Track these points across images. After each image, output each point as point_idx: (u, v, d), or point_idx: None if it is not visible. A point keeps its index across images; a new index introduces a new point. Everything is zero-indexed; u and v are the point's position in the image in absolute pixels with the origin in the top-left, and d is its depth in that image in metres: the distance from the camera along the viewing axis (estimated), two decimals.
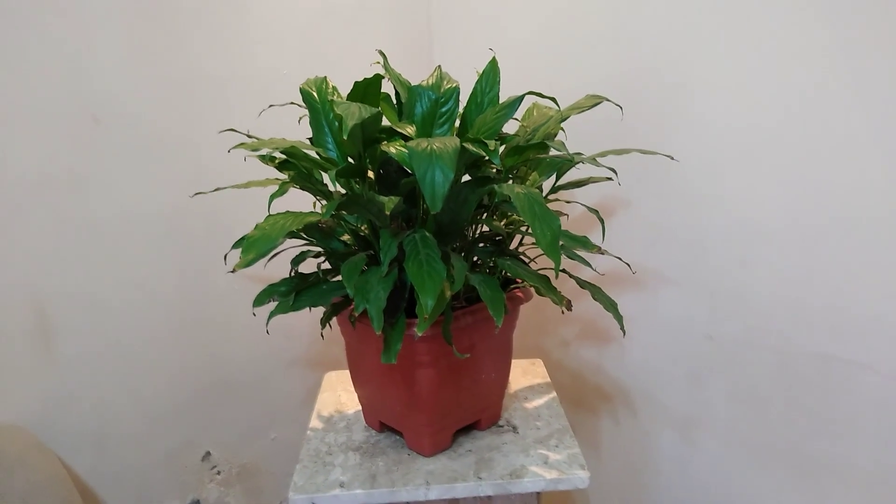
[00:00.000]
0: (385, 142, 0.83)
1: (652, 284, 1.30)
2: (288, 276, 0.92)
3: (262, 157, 0.91)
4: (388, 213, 0.75)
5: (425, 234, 0.81)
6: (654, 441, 1.37)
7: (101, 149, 1.13)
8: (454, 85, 0.85)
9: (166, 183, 1.20)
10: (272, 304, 0.89)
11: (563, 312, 0.94)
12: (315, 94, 0.90)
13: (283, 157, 0.87)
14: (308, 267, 0.97)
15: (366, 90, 0.79)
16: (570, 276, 0.96)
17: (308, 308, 0.85)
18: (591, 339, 1.43)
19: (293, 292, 0.88)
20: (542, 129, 0.92)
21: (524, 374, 1.23)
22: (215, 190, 0.97)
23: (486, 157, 0.75)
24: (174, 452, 1.31)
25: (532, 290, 1.01)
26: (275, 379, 1.41)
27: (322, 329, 0.90)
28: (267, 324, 0.89)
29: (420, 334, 0.75)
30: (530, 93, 0.85)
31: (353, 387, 1.07)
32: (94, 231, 1.14)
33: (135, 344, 1.22)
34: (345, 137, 0.68)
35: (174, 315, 1.26)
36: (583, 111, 0.90)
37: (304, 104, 0.90)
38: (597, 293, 0.94)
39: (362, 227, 0.95)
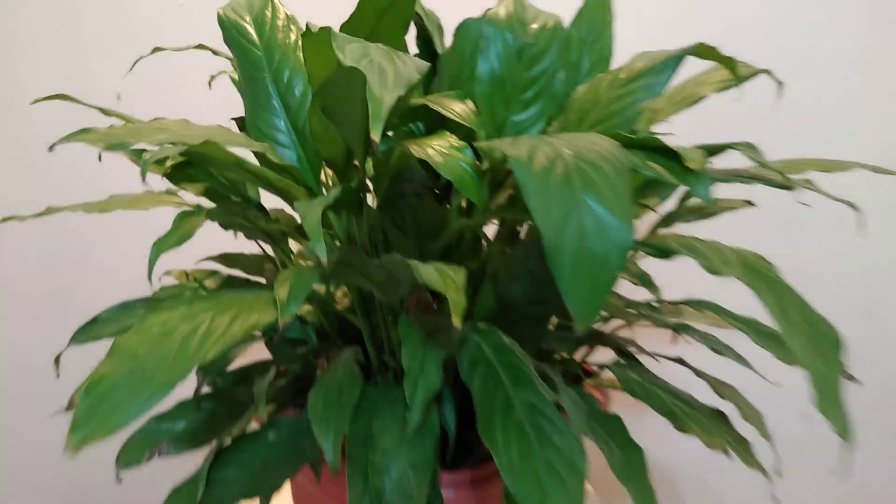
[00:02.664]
0: (410, 135, 0.39)
1: (725, 333, 0.93)
2: (193, 396, 0.45)
3: (137, 155, 0.44)
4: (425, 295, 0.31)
5: (501, 338, 0.38)
6: None
7: None
8: (553, 22, 0.41)
9: None
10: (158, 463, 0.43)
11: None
12: (250, 27, 0.44)
13: (183, 158, 0.41)
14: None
15: (385, 11, 0.34)
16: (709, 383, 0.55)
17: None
18: (626, 404, 1.04)
19: (204, 444, 0.42)
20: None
21: None
22: (42, 213, 0.49)
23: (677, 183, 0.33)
24: None
25: (609, 392, 0.61)
26: None
27: None
28: None
29: None
30: (700, 48, 0.43)
31: None
32: None
33: None
34: (374, 133, 0.23)
35: None
36: (723, 88, 0.49)
37: (227, 48, 0.44)
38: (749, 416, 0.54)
39: (339, 296, 0.50)
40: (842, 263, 0.85)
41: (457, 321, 0.29)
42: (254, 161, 0.42)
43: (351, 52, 0.26)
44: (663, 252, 0.35)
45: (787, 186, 0.42)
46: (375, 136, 0.23)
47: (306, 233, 0.30)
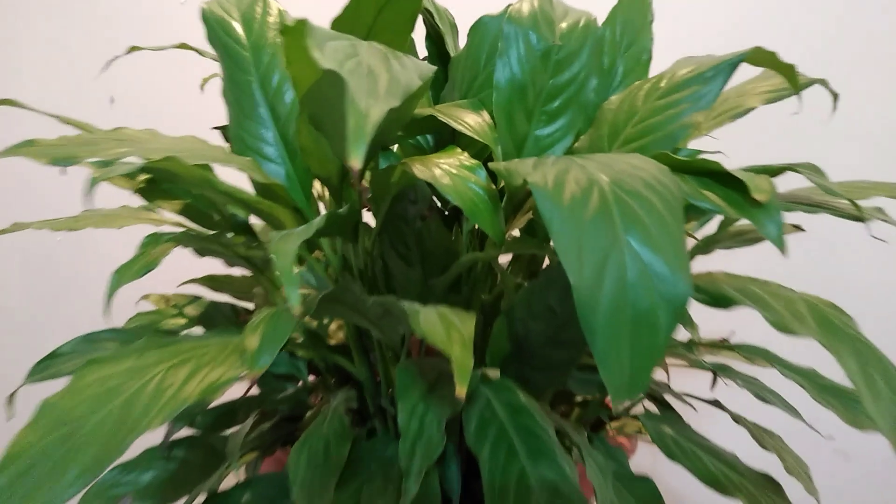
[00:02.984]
0: (417, 150, 0.34)
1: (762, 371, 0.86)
2: (163, 441, 0.40)
3: (98, 167, 0.39)
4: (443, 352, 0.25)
5: (517, 395, 0.32)
6: None
7: None
8: (585, 21, 0.35)
9: None
10: None
11: None
12: (238, 24, 0.39)
13: (149, 175, 0.35)
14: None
15: (386, 4, 0.28)
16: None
17: None
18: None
19: (173, 501, 0.37)
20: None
21: None
22: (8, 230, 0.44)
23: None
24: None
25: (636, 438, 0.54)
26: None
27: None
28: None
29: None
30: (757, 53, 0.37)
31: None
32: None
33: None
34: (354, 158, 0.17)
35: None
36: (773, 100, 0.43)
37: (210, 47, 0.39)
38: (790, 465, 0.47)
39: (333, 329, 0.44)
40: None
41: (461, 391, 0.23)
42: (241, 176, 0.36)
43: (332, 52, 0.20)
44: (719, 301, 0.28)
45: (858, 217, 0.35)
46: (355, 161, 0.17)
47: (279, 273, 0.24)
